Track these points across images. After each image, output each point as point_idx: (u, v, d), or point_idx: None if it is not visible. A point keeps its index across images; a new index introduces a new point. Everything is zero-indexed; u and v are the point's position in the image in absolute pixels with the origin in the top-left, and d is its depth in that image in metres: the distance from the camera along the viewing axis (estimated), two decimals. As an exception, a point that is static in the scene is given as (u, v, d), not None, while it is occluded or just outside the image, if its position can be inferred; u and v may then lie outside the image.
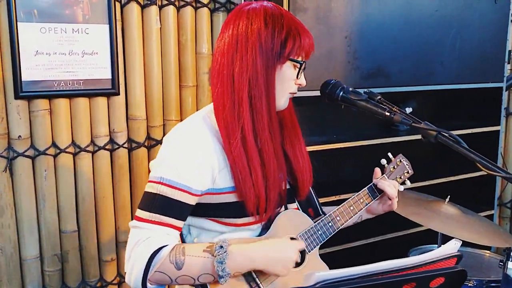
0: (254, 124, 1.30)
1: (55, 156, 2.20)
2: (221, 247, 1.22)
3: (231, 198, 1.32)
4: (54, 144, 2.19)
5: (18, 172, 2.14)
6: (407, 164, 1.73)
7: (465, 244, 2.00)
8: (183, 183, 1.26)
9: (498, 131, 2.86)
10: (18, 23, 2.03)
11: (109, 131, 2.30)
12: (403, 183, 1.71)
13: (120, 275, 2.42)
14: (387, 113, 1.38)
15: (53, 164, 2.21)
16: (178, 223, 1.27)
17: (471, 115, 2.94)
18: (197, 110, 2.43)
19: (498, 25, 2.72)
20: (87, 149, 2.25)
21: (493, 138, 2.86)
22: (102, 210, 2.33)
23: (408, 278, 0.84)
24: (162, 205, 1.25)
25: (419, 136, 2.74)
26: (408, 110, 2.77)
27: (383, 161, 1.69)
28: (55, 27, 2.10)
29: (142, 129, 2.36)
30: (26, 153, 2.14)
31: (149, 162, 2.38)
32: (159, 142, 2.40)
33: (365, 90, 1.44)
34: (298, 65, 1.34)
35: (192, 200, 1.29)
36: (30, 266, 2.23)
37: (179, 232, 1.30)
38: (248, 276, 1.31)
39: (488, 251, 2.31)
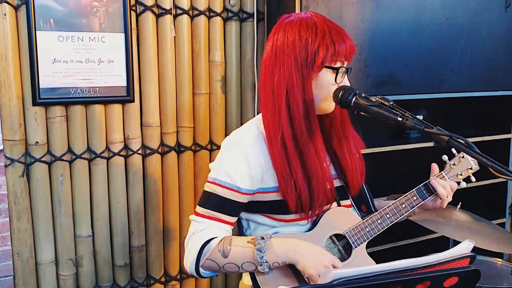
0: (293, 129, 1.39)
1: (71, 162, 2.24)
2: (262, 238, 1.35)
3: (279, 196, 1.43)
4: (70, 150, 2.23)
5: (35, 177, 2.18)
6: (472, 160, 1.64)
7: (477, 251, 2.01)
8: (233, 184, 1.40)
9: (509, 138, 2.87)
10: (36, 31, 2.09)
11: (124, 138, 2.34)
12: (466, 179, 1.64)
13: (134, 280, 2.44)
14: (400, 119, 1.39)
15: (69, 169, 2.25)
16: (229, 218, 1.43)
17: (482, 123, 2.95)
18: (209, 117, 2.50)
19: (508, 33, 2.73)
20: (102, 155, 2.29)
21: (504, 145, 2.87)
22: (116, 215, 2.36)
23: (423, 277, 0.86)
24: (215, 203, 1.41)
25: (430, 144, 2.75)
26: (419, 117, 2.78)
27: (445, 157, 1.64)
28: (72, 35, 2.16)
29: (156, 136, 2.39)
30: (43, 159, 2.18)
31: (162, 168, 2.44)
32: (173, 148, 2.43)
33: (378, 96, 1.46)
34: (335, 71, 1.40)
35: (242, 199, 1.42)
36: (45, 270, 2.26)
37: (231, 227, 1.45)
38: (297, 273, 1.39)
39: (500, 259, 2.31)
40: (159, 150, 2.42)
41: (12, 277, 2.23)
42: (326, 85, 1.42)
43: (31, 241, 2.23)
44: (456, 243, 1.90)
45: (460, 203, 2.11)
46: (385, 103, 1.44)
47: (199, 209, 1.43)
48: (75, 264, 2.31)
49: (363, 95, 1.47)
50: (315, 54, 1.37)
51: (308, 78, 1.39)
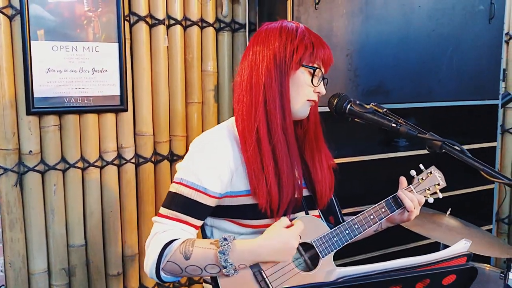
0: (268, 124, 1.41)
1: (64, 171, 2.25)
2: (225, 239, 1.31)
3: (247, 200, 1.42)
4: (63, 159, 2.24)
5: (28, 186, 2.18)
6: (439, 176, 1.69)
7: (466, 255, 2.05)
8: (201, 185, 1.37)
9: (495, 147, 2.93)
10: (31, 41, 2.10)
11: (117, 147, 2.35)
12: (433, 194, 1.69)
13: (127, 289, 2.44)
14: (394, 125, 1.43)
15: (62, 178, 2.25)
16: (194, 221, 1.39)
17: (468, 132, 3.01)
18: (202, 126, 2.52)
19: (493, 44, 2.80)
20: (96, 164, 2.29)
21: (490, 154, 2.93)
22: (109, 224, 2.36)
23: (423, 275, 0.89)
24: (180, 204, 1.37)
25: (418, 152, 2.81)
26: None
27: (413, 172, 1.68)
28: (66, 45, 2.17)
29: (149, 145, 2.41)
30: (36, 168, 2.18)
31: (155, 177, 2.45)
32: (165, 157, 2.45)
33: (372, 103, 1.50)
34: (312, 71, 1.43)
35: (209, 201, 1.39)
36: (38, 281, 2.25)
37: (196, 231, 1.41)
38: (255, 268, 1.36)
39: (488, 265, 2.35)
40: (152, 159, 2.43)
41: (4, 287, 2.21)
42: (302, 84, 1.44)
43: (23, 251, 2.22)
44: (447, 248, 1.94)
45: (450, 209, 2.16)
46: (379, 110, 1.49)
47: (163, 210, 1.39)
48: (67, 273, 2.30)
49: (357, 102, 1.51)
50: (293, 52, 1.41)
51: (285, 75, 1.42)
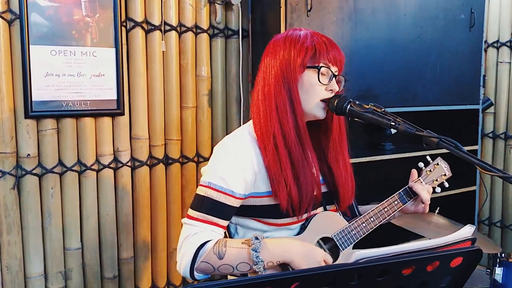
0: (282, 129, 1.48)
1: (61, 174, 2.26)
2: (257, 238, 1.39)
3: (270, 201, 1.49)
4: (60, 163, 2.25)
5: (25, 190, 2.19)
6: (445, 167, 1.78)
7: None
8: (228, 188, 1.44)
9: (476, 150, 3.05)
10: (30, 45, 2.12)
11: (113, 150, 2.38)
12: (441, 185, 1.77)
13: (122, 292, 2.46)
14: (392, 123, 1.50)
15: (59, 182, 2.27)
16: (223, 222, 1.46)
17: (451, 135, 3.10)
18: (196, 130, 2.56)
19: (473, 51, 2.94)
20: (92, 167, 2.31)
21: (471, 156, 3.04)
22: (105, 227, 2.38)
23: (433, 257, 0.95)
24: (209, 206, 1.44)
25: (404, 155, 2.90)
26: (393, 130, 2.93)
27: (421, 164, 1.76)
28: (64, 50, 2.20)
29: (145, 148, 2.44)
30: (34, 171, 2.19)
31: (151, 180, 2.48)
32: (161, 160, 2.48)
33: (371, 103, 1.57)
34: (317, 70, 1.49)
35: (236, 203, 1.47)
36: (34, 284, 2.25)
37: (224, 230, 1.48)
38: (283, 265, 1.43)
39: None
40: (148, 163, 2.46)
41: (0, 291, 2.21)
42: (312, 85, 1.50)
43: (20, 254, 2.22)
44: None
45: (439, 208, 2.25)
46: (378, 109, 1.55)
47: (192, 212, 1.45)
48: (64, 277, 2.31)
49: (357, 102, 1.57)
50: (296, 57, 1.47)
51: (293, 80, 1.48)
